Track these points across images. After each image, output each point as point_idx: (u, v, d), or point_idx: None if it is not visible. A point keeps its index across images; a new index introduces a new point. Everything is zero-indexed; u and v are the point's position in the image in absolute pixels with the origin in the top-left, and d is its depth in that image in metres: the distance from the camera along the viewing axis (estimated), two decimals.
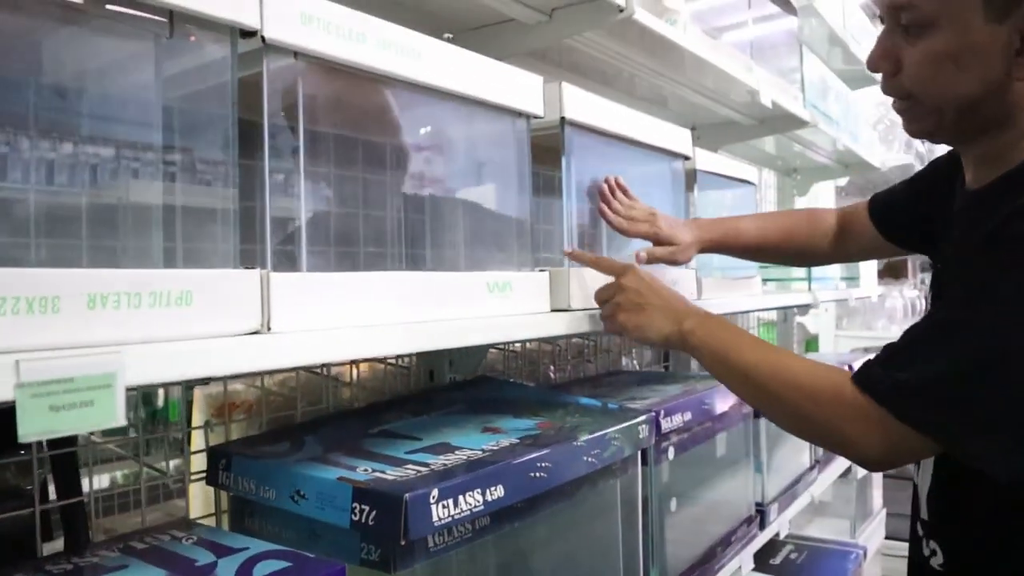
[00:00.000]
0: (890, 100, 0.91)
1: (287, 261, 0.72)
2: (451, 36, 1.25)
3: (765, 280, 1.99)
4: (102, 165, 0.63)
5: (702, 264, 1.46)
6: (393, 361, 1.23)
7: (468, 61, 0.92)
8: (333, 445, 0.89)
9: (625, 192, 1.20)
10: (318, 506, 0.75)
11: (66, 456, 0.86)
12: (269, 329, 0.66)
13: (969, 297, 0.78)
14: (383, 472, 0.77)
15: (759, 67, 1.76)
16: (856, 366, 0.84)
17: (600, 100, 1.14)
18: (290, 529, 0.81)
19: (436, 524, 0.71)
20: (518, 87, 0.99)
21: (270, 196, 0.70)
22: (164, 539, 0.77)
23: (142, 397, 1.22)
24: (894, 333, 0.87)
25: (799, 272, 2.35)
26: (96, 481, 0.99)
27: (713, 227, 1.29)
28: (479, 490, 0.76)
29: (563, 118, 1.05)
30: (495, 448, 0.87)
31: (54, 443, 0.84)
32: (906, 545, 1.02)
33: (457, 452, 0.85)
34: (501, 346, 1.44)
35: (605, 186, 1.18)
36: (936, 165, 1.10)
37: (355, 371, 1.19)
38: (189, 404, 1.07)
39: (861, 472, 2.42)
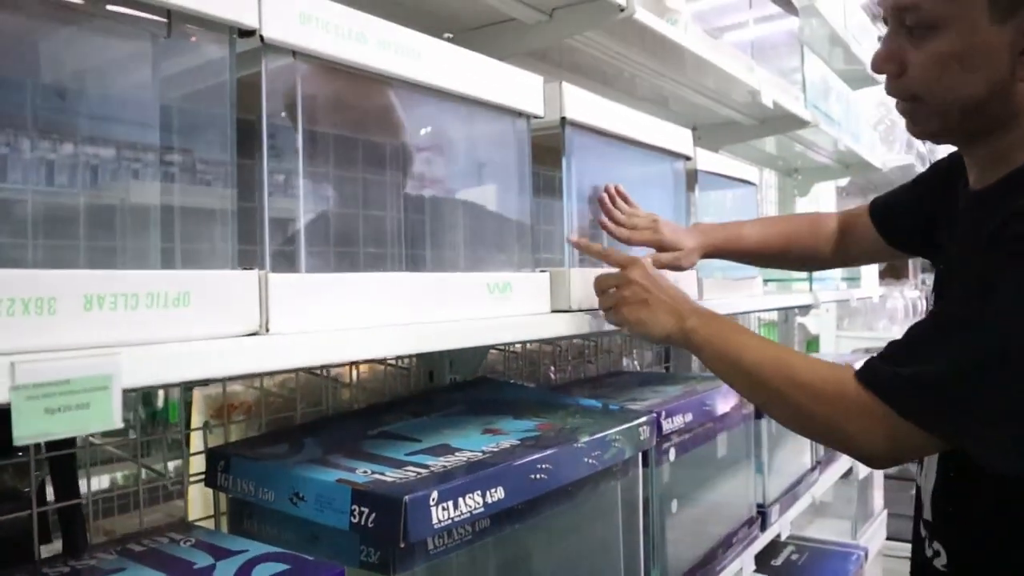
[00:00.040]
0: (892, 100, 0.91)
1: (286, 262, 0.72)
2: (451, 36, 1.25)
3: (766, 281, 1.98)
4: (99, 165, 0.63)
5: (703, 265, 1.45)
6: (393, 362, 1.22)
7: (468, 61, 0.91)
8: (332, 447, 0.88)
9: (625, 199, 1.20)
10: (317, 508, 0.75)
11: (64, 458, 0.85)
12: (267, 330, 0.65)
13: (972, 295, 0.78)
14: (383, 474, 0.77)
15: (760, 67, 1.76)
16: (858, 365, 0.84)
17: (601, 100, 1.13)
18: (289, 531, 0.81)
19: (436, 526, 0.71)
20: (518, 87, 0.98)
21: (269, 196, 0.69)
22: (162, 541, 0.77)
23: (142, 398, 1.21)
24: (895, 334, 0.87)
25: (800, 273, 2.34)
26: (96, 482, 0.99)
27: (715, 232, 1.29)
28: (479, 492, 0.75)
29: (563, 118, 1.05)
30: (495, 450, 0.86)
31: (52, 445, 0.84)
32: (908, 546, 1.02)
33: (457, 454, 0.85)
34: (501, 347, 1.44)
35: (605, 196, 1.17)
36: (937, 167, 1.11)
37: (355, 372, 1.18)
38: (188, 405, 1.07)
39: (862, 473, 2.42)
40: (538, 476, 0.83)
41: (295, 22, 0.70)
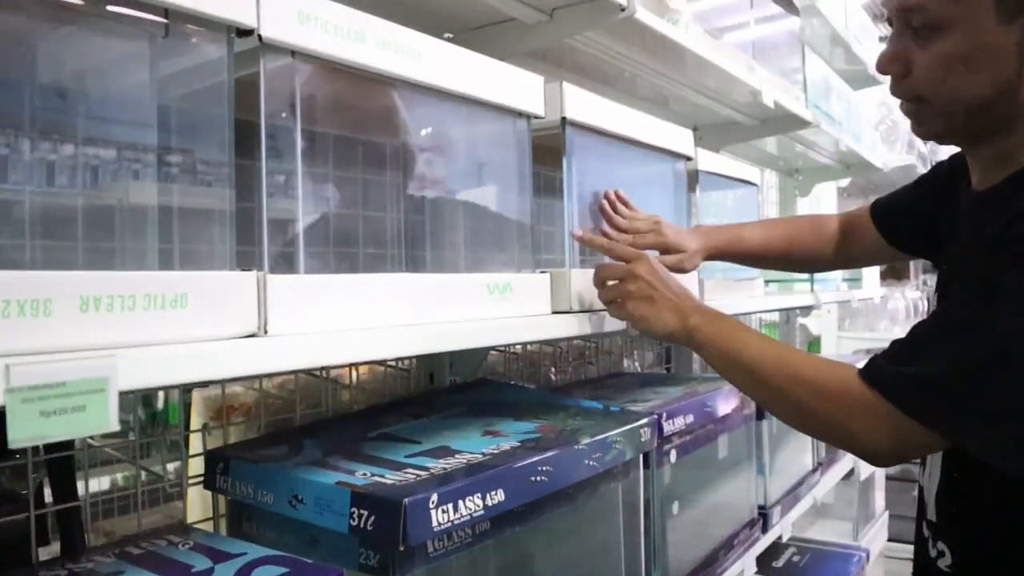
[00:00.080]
0: (893, 100, 0.90)
1: (285, 263, 0.71)
2: (451, 36, 1.24)
3: (767, 282, 1.98)
4: (96, 166, 0.63)
5: (704, 266, 1.45)
6: (393, 363, 1.22)
7: (468, 61, 0.91)
8: (332, 448, 0.88)
9: (626, 204, 1.19)
10: (316, 511, 0.74)
11: (62, 460, 0.85)
12: (266, 332, 0.65)
13: (975, 296, 0.78)
14: (382, 476, 0.77)
15: (761, 67, 1.75)
16: (861, 363, 0.84)
17: (601, 100, 1.13)
18: (288, 534, 0.80)
19: (436, 529, 0.70)
20: (519, 87, 0.98)
21: (268, 197, 0.69)
22: (161, 544, 0.77)
23: (142, 399, 1.21)
24: (896, 335, 0.87)
25: (801, 274, 2.34)
26: (96, 483, 0.99)
27: (717, 234, 1.29)
28: (479, 494, 0.75)
29: (564, 118, 1.04)
30: (495, 452, 0.86)
31: (50, 446, 0.83)
32: (909, 547, 1.01)
33: (457, 456, 0.84)
34: (502, 348, 1.44)
35: (605, 203, 1.17)
36: (938, 169, 1.11)
37: (354, 373, 1.18)
38: (187, 407, 1.07)
39: (864, 474, 2.42)
40: (539, 478, 0.82)
41: (294, 21, 0.69)
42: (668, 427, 1.14)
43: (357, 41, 0.76)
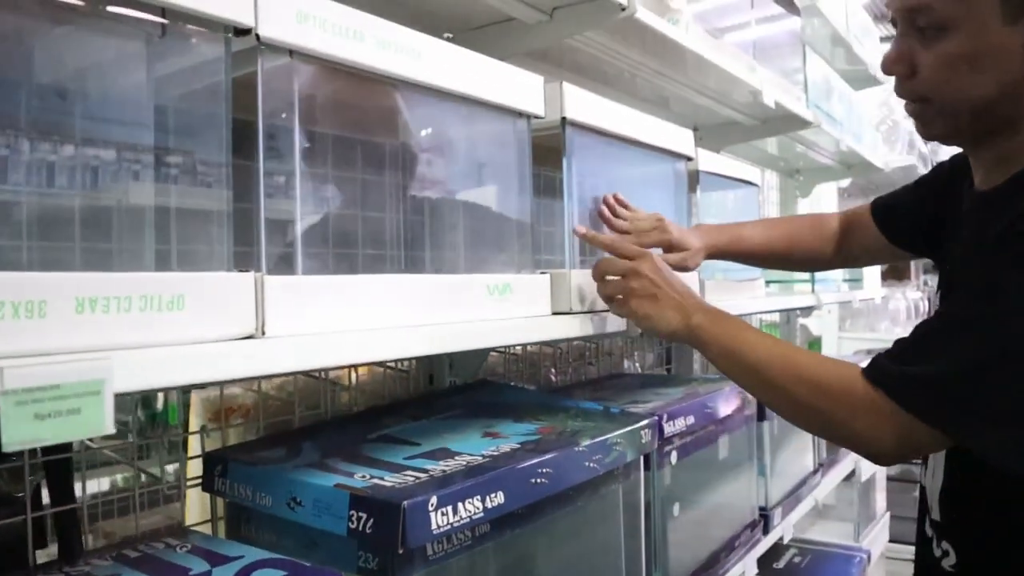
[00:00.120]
0: (893, 100, 0.90)
1: (283, 264, 0.71)
2: (451, 36, 1.24)
3: (768, 282, 1.97)
4: (93, 167, 0.62)
5: (704, 266, 1.44)
6: (392, 365, 1.21)
7: (468, 61, 0.90)
8: (331, 451, 0.87)
9: (625, 206, 1.19)
10: (315, 513, 0.74)
11: (60, 462, 0.84)
12: (264, 333, 0.64)
13: (978, 296, 0.78)
14: (381, 479, 0.76)
15: (762, 67, 1.75)
16: (865, 363, 0.84)
17: (602, 100, 1.12)
18: (287, 537, 0.80)
19: (435, 532, 0.70)
20: (519, 87, 0.98)
21: (267, 198, 0.68)
22: (158, 547, 0.76)
23: (141, 400, 1.21)
24: (897, 335, 0.87)
25: (802, 274, 2.34)
26: (96, 485, 0.98)
27: (719, 233, 1.28)
28: (479, 497, 0.74)
29: (564, 118, 1.04)
30: (495, 453, 0.85)
31: (48, 448, 0.83)
32: (911, 548, 1.01)
33: (457, 458, 0.84)
34: (502, 349, 1.43)
35: (605, 208, 1.16)
36: (939, 169, 1.11)
37: (354, 375, 1.18)
38: (186, 408, 1.06)
39: (865, 475, 2.41)
40: (539, 480, 0.82)
41: (292, 21, 0.69)
42: (669, 428, 1.14)
43: (356, 41, 0.75)
